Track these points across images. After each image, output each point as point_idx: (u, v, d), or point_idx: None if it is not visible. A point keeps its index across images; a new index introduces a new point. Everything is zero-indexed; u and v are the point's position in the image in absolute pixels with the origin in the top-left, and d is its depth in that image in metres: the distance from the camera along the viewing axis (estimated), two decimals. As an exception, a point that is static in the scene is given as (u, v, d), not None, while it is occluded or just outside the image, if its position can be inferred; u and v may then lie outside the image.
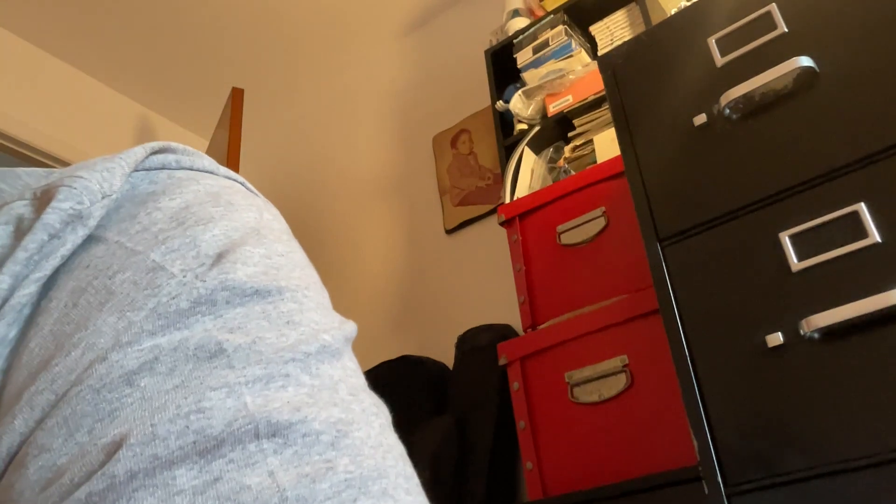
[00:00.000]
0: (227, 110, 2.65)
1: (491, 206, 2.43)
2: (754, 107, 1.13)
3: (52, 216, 0.27)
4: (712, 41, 1.21)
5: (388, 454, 0.24)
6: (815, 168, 1.04)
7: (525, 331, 1.61)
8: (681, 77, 1.24)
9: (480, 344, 2.03)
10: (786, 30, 1.13)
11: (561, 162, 1.97)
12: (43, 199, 0.28)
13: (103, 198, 0.28)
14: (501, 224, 1.76)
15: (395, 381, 2.09)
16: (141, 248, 0.27)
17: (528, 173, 2.02)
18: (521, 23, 2.32)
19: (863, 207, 0.97)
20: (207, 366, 0.23)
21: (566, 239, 1.62)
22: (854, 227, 0.97)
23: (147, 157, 0.31)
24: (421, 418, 1.96)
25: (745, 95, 1.12)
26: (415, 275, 2.57)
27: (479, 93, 2.55)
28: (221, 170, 0.33)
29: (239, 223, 0.29)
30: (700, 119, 1.17)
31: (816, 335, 0.95)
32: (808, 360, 0.95)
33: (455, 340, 2.12)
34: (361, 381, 0.27)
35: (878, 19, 1.05)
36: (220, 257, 0.27)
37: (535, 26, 2.21)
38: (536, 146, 2.09)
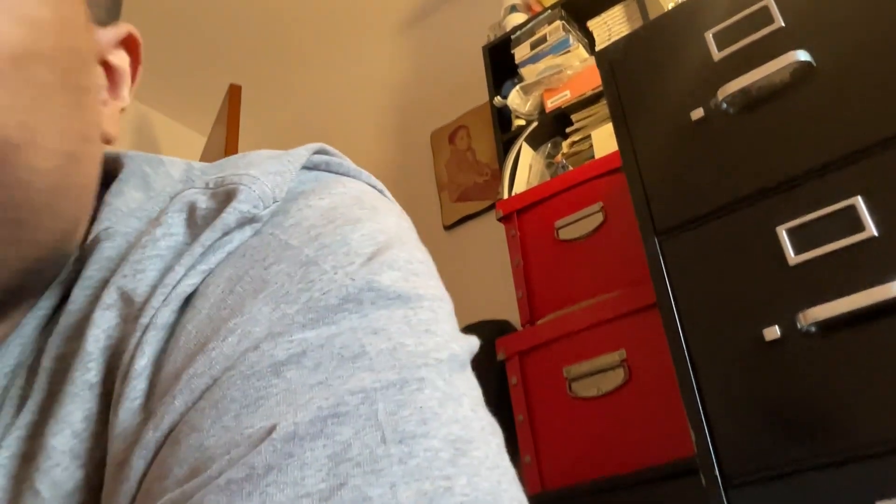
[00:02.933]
0: (225, 107, 2.65)
1: (489, 202, 2.43)
2: (751, 101, 1.13)
3: (231, 216, 0.29)
4: (709, 35, 1.21)
5: (504, 477, 0.25)
6: (812, 162, 1.04)
7: (523, 326, 1.61)
8: (678, 71, 1.24)
9: (479, 339, 2.03)
10: (783, 24, 1.14)
11: (559, 157, 1.97)
12: (219, 193, 0.30)
13: (274, 202, 0.30)
14: (500, 219, 1.76)
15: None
16: (295, 242, 0.28)
17: (527, 169, 2.03)
18: (518, 18, 2.32)
19: (859, 201, 0.97)
20: (350, 366, 0.24)
21: (564, 234, 1.62)
22: (851, 221, 0.97)
23: (308, 158, 0.33)
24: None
25: (742, 89, 1.12)
26: (413, 271, 2.57)
27: (476, 88, 2.55)
28: (364, 175, 0.35)
29: (384, 226, 0.30)
30: (697, 113, 1.17)
31: (813, 328, 0.95)
32: (806, 353, 0.95)
33: (453, 336, 2.12)
34: (480, 396, 0.28)
35: (875, 13, 1.06)
36: (369, 258, 0.28)
37: (533, 22, 2.21)
38: (534, 142, 2.09)
